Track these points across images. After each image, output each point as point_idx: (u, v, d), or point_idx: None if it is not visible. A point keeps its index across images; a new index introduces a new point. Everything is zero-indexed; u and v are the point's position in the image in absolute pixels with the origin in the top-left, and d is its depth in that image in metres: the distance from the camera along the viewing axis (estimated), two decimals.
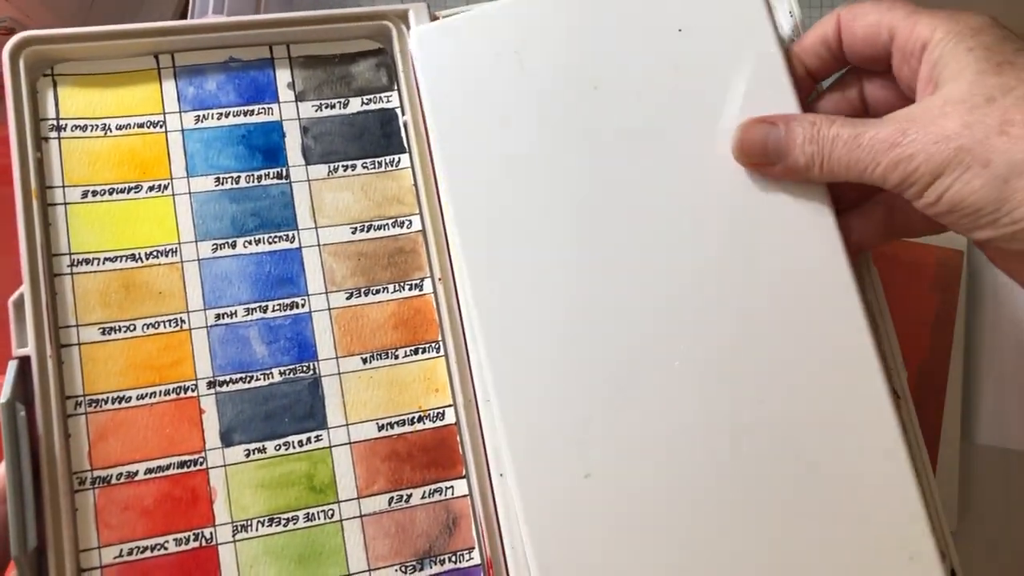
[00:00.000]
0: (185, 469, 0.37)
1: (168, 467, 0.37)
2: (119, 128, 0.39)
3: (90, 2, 0.58)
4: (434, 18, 0.42)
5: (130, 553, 0.36)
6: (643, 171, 0.38)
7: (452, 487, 0.39)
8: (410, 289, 0.40)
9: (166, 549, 0.36)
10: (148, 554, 0.36)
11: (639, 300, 0.37)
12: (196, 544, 0.37)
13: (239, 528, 0.37)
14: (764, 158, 0.37)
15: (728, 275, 0.37)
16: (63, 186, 0.38)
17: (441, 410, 0.39)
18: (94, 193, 0.39)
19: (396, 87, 0.42)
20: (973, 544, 0.35)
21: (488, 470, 0.38)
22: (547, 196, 0.38)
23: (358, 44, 0.42)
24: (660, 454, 0.36)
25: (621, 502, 0.36)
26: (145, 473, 0.37)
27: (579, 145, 0.39)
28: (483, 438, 0.38)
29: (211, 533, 0.37)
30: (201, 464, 0.37)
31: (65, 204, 0.38)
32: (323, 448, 0.38)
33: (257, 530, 0.37)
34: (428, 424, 0.39)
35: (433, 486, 0.39)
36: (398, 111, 0.42)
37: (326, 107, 0.41)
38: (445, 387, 0.39)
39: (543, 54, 0.40)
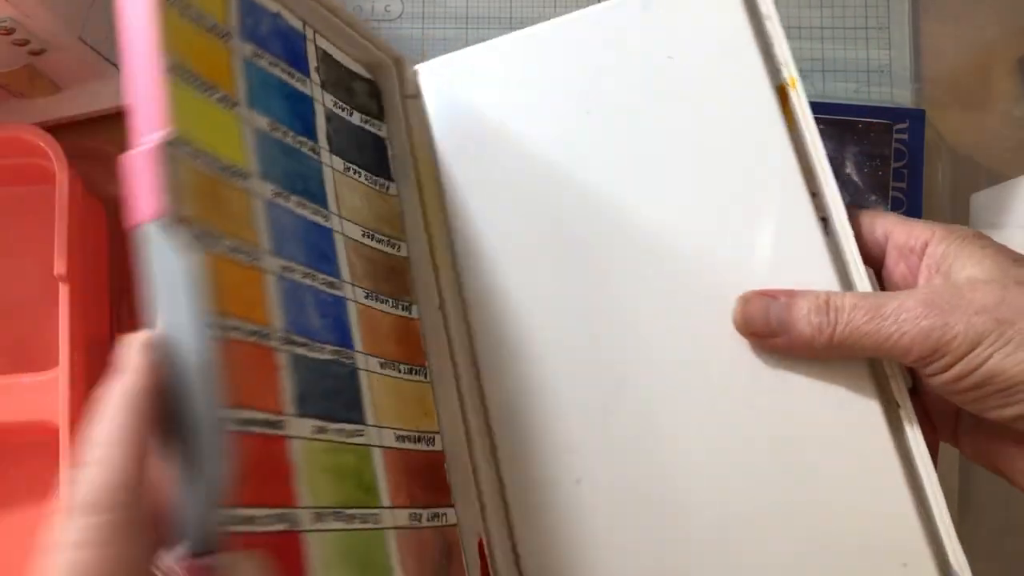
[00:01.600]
0: (269, 430, 0.29)
1: (253, 423, 0.28)
2: None
3: (90, 2, 0.50)
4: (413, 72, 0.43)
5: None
6: (632, 195, 0.39)
7: (446, 514, 0.36)
8: (402, 309, 0.39)
9: (254, 524, 0.27)
10: (242, 527, 0.27)
11: (630, 318, 0.38)
12: (282, 526, 0.28)
13: (317, 516, 0.30)
14: (767, 329, 0.35)
15: (716, 288, 0.37)
16: None
17: (432, 436, 0.37)
18: None
19: (385, 121, 0.42)
20: (973, 544, 0.34)
21: (482, 504, 0.37)
22: (540, 223, 0.39)
23: (358, 65, 0.41)
24: (651, 459, 0.37)
25: (609, 506, 0.37)
26: (238, 424, 0.28)
27: (571, 170, 0.40)
28: (475, 473, 0.38)
29: (295, 516, 0.29)
30: (281, 428, 0.29)
31: None
32: (365, 445, 0.33)
33: (330, 524, 0.30)
34: (423, 446, 0.37)
35: (434, 510, 0.36)
36: (388, 144, 0.41)
37: (338, 107, 0.39)
38: (433, 413, 0.38)
39: (540, 83, 0.41)
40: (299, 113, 0.36)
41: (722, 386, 0.36)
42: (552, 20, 0.42)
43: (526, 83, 0.41)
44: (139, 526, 0.24)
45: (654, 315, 0.38)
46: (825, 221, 0.37)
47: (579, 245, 0.39)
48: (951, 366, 0.32)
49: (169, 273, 0.26)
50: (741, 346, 0.36)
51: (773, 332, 0.35)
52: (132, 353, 0.25)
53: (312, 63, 0.38)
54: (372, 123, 0.41)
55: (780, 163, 0.38)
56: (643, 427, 0.37)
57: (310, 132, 0.37)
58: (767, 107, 0.38)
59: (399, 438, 0.35)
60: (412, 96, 0.42)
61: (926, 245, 0.35)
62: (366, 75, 0.42)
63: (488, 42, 0.42)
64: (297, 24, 0.38)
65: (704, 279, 0.37)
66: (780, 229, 0.37)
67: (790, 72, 0.39)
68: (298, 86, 0.37)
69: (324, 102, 0.38)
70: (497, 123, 0.41)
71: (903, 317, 0.32)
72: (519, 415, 0.38)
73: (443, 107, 0.42)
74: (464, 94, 0.42)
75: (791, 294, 0.35)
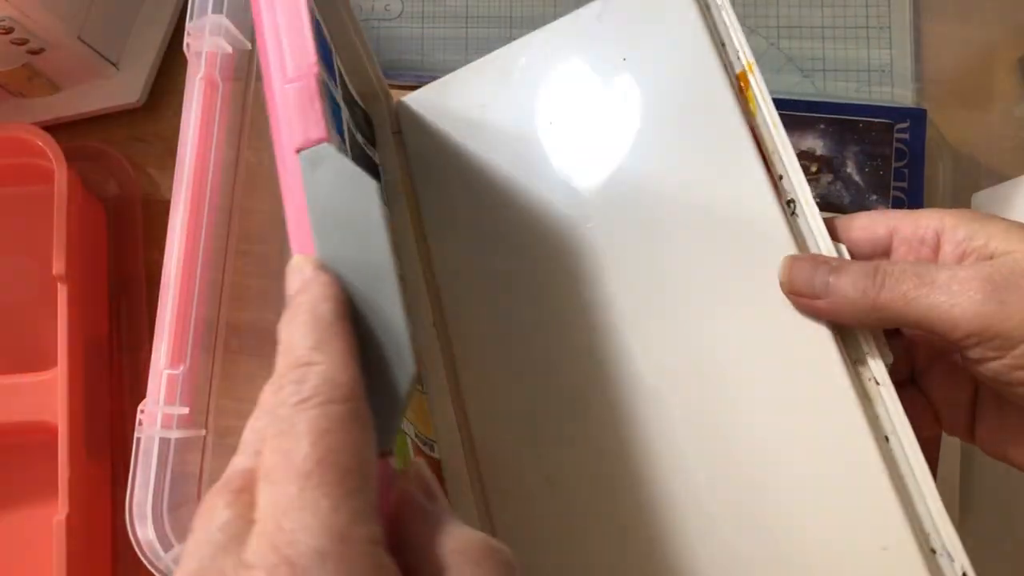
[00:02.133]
0: None
1: None
2: None
3: (89, 2, 0.52)
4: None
5: None
6: (596, 204, 0.39)
7: None
8: None
9: None
10: None
11: (597, 322, 0.38)
12: None
13: None
14: (810, 289, 0.34)
15: (682, 290, 0.37)
16: None
17: (432, 443, 0.38)
18: None
19: (377, 149, 0.42)
20: (973, 544, 0.32)
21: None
22: (505, 244, 0.40)
23: (355, 93, 0.41)
24: (618, 457, 0.36)
25: (579, 503, 0.37)
26: None
27: (532, 186, 0.40)
28: (470, 481, 0.38)
29: None
30: None
31: None
32: (403, 432, 0.34)
33: None
34: (428, 451, 0.37)
35: None
36: (381, 169, 0.42)
37: (352, 125, 0.39)
38: (430, 422, 0.38)
39: (505, 102, 0.42)
40: (337, 118, 0.36)
41: (688, 384, 0.36)
42: (520, 39, 0.42)
43: (493, 106, 0.42)
44: (368, 416, 0.23)
45: (620, 319, 0.38)
46: (792, 204, 0.37)
47: (542, 258, 0.39)
48: (1007, 351, 0.30)
49: (340, 196, 0.25)
50: (706, 341, 0.36)
51: (816, 294, 0.34)
52: (308, 271, 0.25)
53: (338, 78, 0.38)
54: (368, 147, 0.41)
55: (739, 152, 0.38)
56: (610, 425, 0.37)
57: (343, 141, 0.36)
58: (722, 97, 0.38)
59: (417, 436, 0.36)
60: (396, 132, 0.43)
61: (938, 234, 0.34)
62: (360, 103, 0.42)
63: (464, 68, 0.43)
64: (328, 37, 0.38)
65: (668, 280, 0.37)
66: (743, 217, 0.37)
67: (747, 58, 0.39)
68: (335, 94, 0.37)
69: (345, 116, 0.38)
70: (466, 150, 0.41)
71: (955, 288, 0.31)
72: (492, 418, 0.38)
73: (418, 139, 0.43)
74: (436, 126, 0.42)
75: (842, 262, 0.34)
